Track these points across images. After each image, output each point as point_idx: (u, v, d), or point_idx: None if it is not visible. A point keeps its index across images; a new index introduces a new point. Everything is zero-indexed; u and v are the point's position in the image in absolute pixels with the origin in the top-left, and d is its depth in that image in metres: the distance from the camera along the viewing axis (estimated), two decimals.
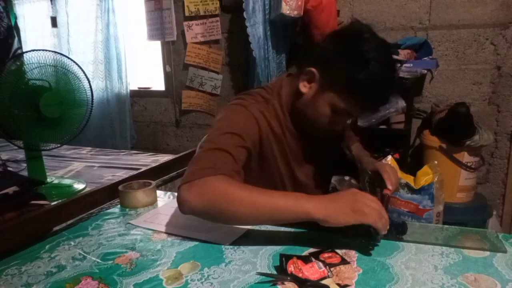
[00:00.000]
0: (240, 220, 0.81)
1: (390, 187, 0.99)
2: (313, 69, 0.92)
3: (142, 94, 3.26)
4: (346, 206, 0.76)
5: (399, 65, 2.01)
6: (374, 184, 1.10)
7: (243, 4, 2.30)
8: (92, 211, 1.10)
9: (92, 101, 1.64)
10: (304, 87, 0.95)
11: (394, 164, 1.86)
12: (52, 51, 1.52)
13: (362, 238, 0.79)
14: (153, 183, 1.14)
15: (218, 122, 0.94)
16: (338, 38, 0.94)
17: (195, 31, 2.83)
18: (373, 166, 1.09)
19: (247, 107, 0.95)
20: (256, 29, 2.31)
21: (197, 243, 0.84)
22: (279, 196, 0.79)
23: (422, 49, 2.18)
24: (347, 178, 2.35)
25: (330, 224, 0.75)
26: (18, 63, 1.49)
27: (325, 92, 0.92)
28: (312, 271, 0.69)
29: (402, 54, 2.09)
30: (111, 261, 0.77)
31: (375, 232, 0.77)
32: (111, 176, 1.76)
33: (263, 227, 0.90)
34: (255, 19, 2.30)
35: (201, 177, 0.79)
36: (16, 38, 2.15)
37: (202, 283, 0.68)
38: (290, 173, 1.03)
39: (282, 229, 0.90)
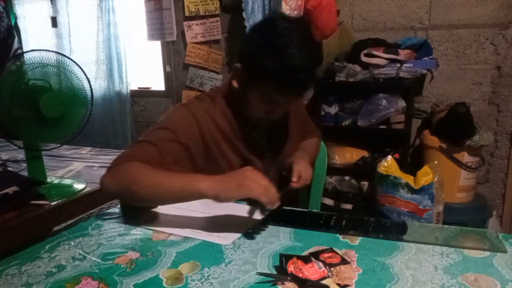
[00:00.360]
0: (145, 200, 0.90)
1: (294, 179, 1.05)
2: (238, 64, 0.98)
3: (142, 94, 3.26)
4: (234, 182, 0.81)
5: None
6: (282, 175, 1.16)
7: (243, 4, 2.30)
8: (92, 211, 1.11)
9: (92, 101, 1.64)
10: (235, 83, 1.00)
11: (394, 164, 1.87)
12: (52, 51, 1.52)
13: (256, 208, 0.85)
14: None
15: (159, 120, 1.01)
16: (254, 31, 0.99)
17: (195, 31, 2.83)
18: (290, 161, 1.13)
19: (188, 106, 1.02)
20: None
21: (197, 243, 0.84)
22: (178, 177, 0.86)
23: (422, 49, 2.18)
24: (347, 178, 2.35)
25: (221, 201, 0.81)
26: (18, 63, 1.49)
27: (251, 85, 0.96)
28: (312, 271, 0.69)
29: (402, 54, 2.09)
30: (111, 261, 0.77)
31: (261, 206, 0.81)
32: None
33: (263, 227, 0.90)
34: (255, 19, 2.30)
35: (119, 163, 0.90)
36: (16, 38, 2.15)
37: (202, 283, 0.68)
38: (244, 162, 1.07)
39: (282, 229, 0.90)
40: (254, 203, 0.82)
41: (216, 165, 1.04)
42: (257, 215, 0.82)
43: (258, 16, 2.29)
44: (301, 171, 1.07)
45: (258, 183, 0.80)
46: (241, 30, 2.37)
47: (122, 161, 0.90)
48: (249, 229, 0.85)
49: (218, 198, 0.81)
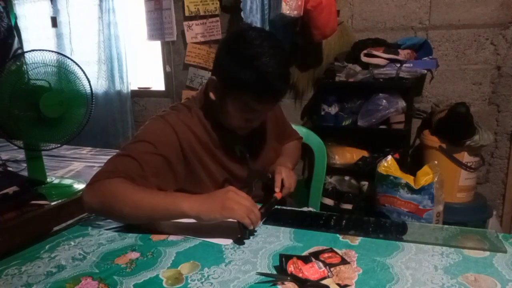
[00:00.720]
0: (127, 218, 0.89)
1: (277, 189, 1.06)
2: (213, 77, 0.99)
3: (142, 94, 3.26)
4: (217, 203, 0.81)
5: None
6: (263, 185, 1.17)
7: (241, 4, 2.30)
8: None
9: (92, 101, 1.64)
10: (212, 95, 1.01)
11: (394, 164, 1.87)
12: (52, 51, 1.52)
13: (238, 233, 0.84)
14: None
15: (137, 133, 1.01)
16: (225, 43, 0.99)
17: (195, 31, 2.83)
18: (272, 170, 1.14)
19: (165, 117, 1.01)
20: None
21: (197, 243, 0.84)
22: (160, 196, 0.87)
23: (422, 49, 2.18)
24: (347, 178, 2.35)
25: (203, 221, 0.82)
26: (18, 63, 1.49)
27: (227, 96, 0.97)
28: (312, 271, 0.69)
29: (402, 54, 2.09)
30: (111, 261, 0.77)
31: (243, 228, 0.81)
32: None
33: (263, 227, 0.90)
34: (253, 19, 2.30)
35: (100, 180, 0.89)
36: (16, 38, 2.15)
37: (202, 283, 0.68)
38: (223, 170, 1.08)
39: (282, 229, 0.90)
40: (234, 228, 0.83)
41: (196, 175, 1.04)
42: (239, 234, 0.83)
43: (256, 16, 2.29)
44: (283, 179, 1.08)
45: (241, 204, 0.81)
46: None
47: (103, 177, 0.89)
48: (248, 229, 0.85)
49: (200, 219, 0.82)
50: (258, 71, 0.90)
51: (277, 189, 1.06)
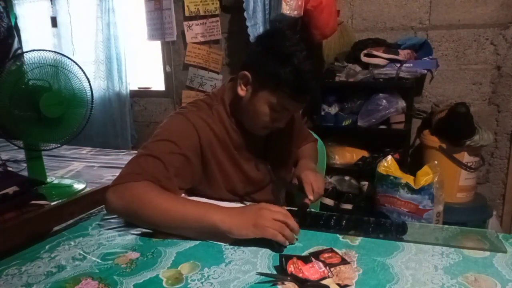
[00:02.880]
0: (154, 225, 0.87)
1: (310, 197, 1.04)
2: (246, 72, 0.97)
3: (142, 94, 3.26)
4: (249, 220, 0.80)
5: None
6: (293, 194, 1.16)
7: (244, 4, 2.30)
8: (92, 211, 1.11)
9: (92, 101, 1.64)
10: (241, 91, 0.99)
11: (394, 164, 1.87)
12: (52, 51, 1.52)
13: (270, 248, 0.81)
14: None
15: (157, 130, 1.00)
16: (262, 39, 1.00)
17: (195, 31, 2.83)
18: (298, 175, 1.12)
19: (186, 115, 1.00)
20: (257, 29, 2.31)
21: (197, 243, 0.84)
22: (191, 206, 0.85)
23: (422, 49, 2.18)
24: (347, 178, 2.35)
25: (234, 236, 0.80)
26: (18, 63, 1.49)
27: (259, 92, 0.96)
28: (312, 271, 0.69)
29: (402, 54, 2.09)
30: (111, 261, 0.77)
31: (277, 245, 0.79)
32: (111, 176, 1.76)
33: None
34: (256, 19, 2.30)
35: (126, 182, 0.87)
36: (16, 38, 2.16)
37: (202, 283, 0.68)
38: (238, 171, 1.07)
39: None
40: (269, 241, 0.80)
41: (211, 176, 1.03)
42: (275, 250, 0.79)
43: (259, 16, 2.29)
44: (312, 184, 1.06)
45: (274, 222, 0.79)
46: (242, 30, 2.37)
47: (129, 179, 0.87)
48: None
49: (231, 233, 0.80)
50: (297, 69, 0.90)
51: (311, 197, 1.04)
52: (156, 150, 0.92)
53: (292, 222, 0.81)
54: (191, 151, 0.96)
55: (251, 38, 2.32)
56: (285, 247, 0.80)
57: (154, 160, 0.90)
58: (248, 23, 2.31)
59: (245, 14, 2.31)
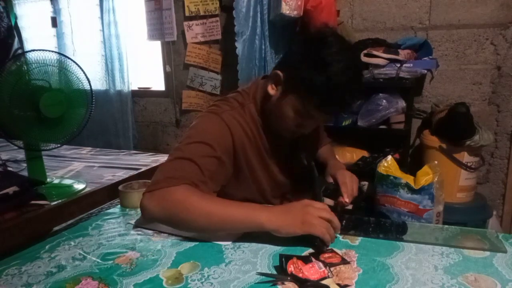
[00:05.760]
0: (197, 229, 0.84)
1: (347, 199, 1.03)
2: (279, 72, 0.94)
3: (142, 94, 3.26)
4: (297, 218, 0.78)
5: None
6: (330, 193, 1.11)
7: (234, 3, 2.30)
8: (92, 211, 1.10)
9: (92, 101, 1.64)
10: (272, 90, 0.97)
11: (394, 164, 1.86)
12: (52, 51, 1.52)
13: (311, 246, 0.80)
14: None
15: (190, 130, 0.96)
16: (303, 42, 0.95)
17: (195, 31, 2.83)
18: (333, 174, 1.11)
19: (220, 115, 0.96)
20: (244, 34, 2.33)
21: (197, 243, 0.84)
22: (234, 207, 0.83)
23: (422, 49, 2.17)
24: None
25: (281, 235, 0.78)
26: (18, 63, 1.49)
27: (289, 95, 0.93)
28: (312, 271, 0.69)
29: (402, 54, 2.09)
30: (111, 261, 0.77)
31: (321, 243, 0.78)
32: (111, 176, 1.76)
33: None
34: (244, 22, 2.31)
35: (164, 187, 0.83)
36: (16, 38, 2.15)
37: (202, 283, 0.68)
38: (267, 173, 1.05)
39: None
40: (311, 239, 0.79)
41: (241, 178, 1.01)
42: (317, 249, 0.79)
43: (248, 18, 2.29)
44: (348, 189, 1.05)
45: (321, 220, 0.78)
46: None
47: (166, 184, 0.84)
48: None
49: (278, 232, 0.79)
50: (331, 79, 0.85)
51: (347, 199, 1.03)
52: (191, 153, 0.89)
53: (336, 221, 0.80)
54: (225, 153, 0.94)
55: (236, 44, 2.34)
56: (327, 246, 0.79)
57: (190, 164, 0.87)
58: (236, 23, 2.31)
59: (234, 13, 2.31)
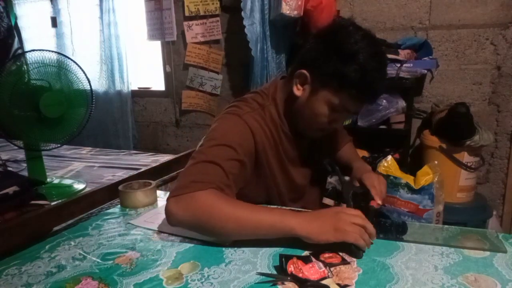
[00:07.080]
0: (226, 235, 0.82)
1: (379, 202, 1.01)
2: (304, 71, 0.93)
3: (142, 94, 3.26)
4: (329, 224, 0.77)
5: (390, 61, 2.00)
6: (359, 197, 1.10)
7: (241, 3, 2.30)
8: (92, 211, 1.10)
9: (92, 101, 1.64)
10: (298, 90, 0.95)
11: (394, 164, 1.86)
12: (52, 51, 1.52)
13: (347, 252, 0.78)
14: (153, 183, 1.14)
15: (212, 132, 0.94)
16: (323, 36, 0.94)
17: (195, 31, 2.83)
18: (361, 178, 1.09)
19: (242, 117, 0.95)
20: (255, 29, 2.31)
21: (197, 243, 0.84)
22: (264, 212, 0.81)
23: (422, 49, 2.18)
24: (347, 178, 2.35)
25: (313, 241, 0.76)
26: (18, 63, 1.49)
27: (319, 92, 0.92)
28: (312, 271, 0.69)
29: (402, 54, 2.09)
30: (111, 261, 0.77)
31: (356, 249, 0.77)
32: (111, 176, 1.76)
33: None
34: (253, 19, 2.30)
35: (190, 192, 0.81)
36: (16, 38, 2.16)
37: (202, 283, 0.68)
38: (286, 175, 1.04)
39: None
40: (346, 244, 0.77)
41: (262, 178, 1.00)
42: (353, 255, 0.77)
43: (256, 16, 2.29)
44: (378, 192, 1.03)
45: (354, 227, 0.76)
46: (242, 30, 2.37)
47: (192, 188, 0.81)
48: None
49: (310, 239, 0.77)
50: (362, 67, 0.85)
51: (379, 201, 1.02)
52: (215, 156, 0.87)
53: (370, 227, 0.78)
54: (247, 156, 0.93)
55: (249, 37, 2.32)
56: (364, 251, 0.77)
57: (214, 167, 0.85)
58: (245, 23, 2.31)
59: (242, 13, 2.31)
